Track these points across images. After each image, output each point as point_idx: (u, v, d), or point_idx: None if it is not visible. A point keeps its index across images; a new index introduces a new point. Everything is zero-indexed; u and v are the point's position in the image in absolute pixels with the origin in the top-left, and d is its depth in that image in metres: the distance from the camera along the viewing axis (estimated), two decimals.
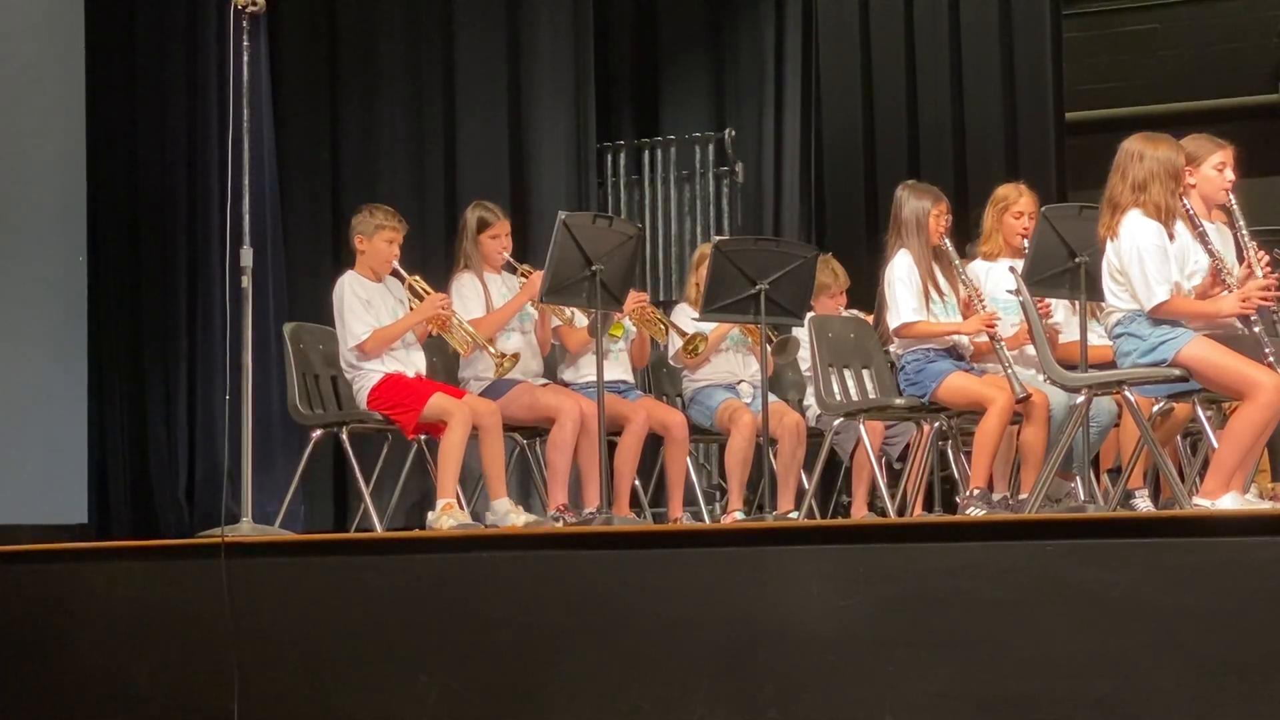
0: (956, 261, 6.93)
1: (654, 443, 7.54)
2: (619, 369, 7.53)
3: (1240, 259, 5.96)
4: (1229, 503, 5.54)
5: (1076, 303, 6.64)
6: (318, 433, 7.23)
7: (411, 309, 7.16)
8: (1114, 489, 6.77)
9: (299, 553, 6.01)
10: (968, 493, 6.64)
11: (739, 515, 7.39)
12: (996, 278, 7.01)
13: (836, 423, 7.30)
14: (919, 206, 6.90)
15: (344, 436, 7.17)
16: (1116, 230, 5.84)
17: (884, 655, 4.95)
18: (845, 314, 7.91)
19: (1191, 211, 5.89)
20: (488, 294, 7.30)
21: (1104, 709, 4.71)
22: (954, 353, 6.87)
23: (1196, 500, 5.69)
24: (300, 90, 10.04)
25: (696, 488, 7.86)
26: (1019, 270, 6.63)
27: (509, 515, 6.78)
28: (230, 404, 6.78)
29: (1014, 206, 7.14)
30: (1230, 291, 5.81)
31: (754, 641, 5.10)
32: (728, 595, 5.16)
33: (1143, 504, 6.72)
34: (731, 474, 7.47)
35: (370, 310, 7.05)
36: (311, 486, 9.04)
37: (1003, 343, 6.65)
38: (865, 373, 7.33)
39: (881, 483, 7.23)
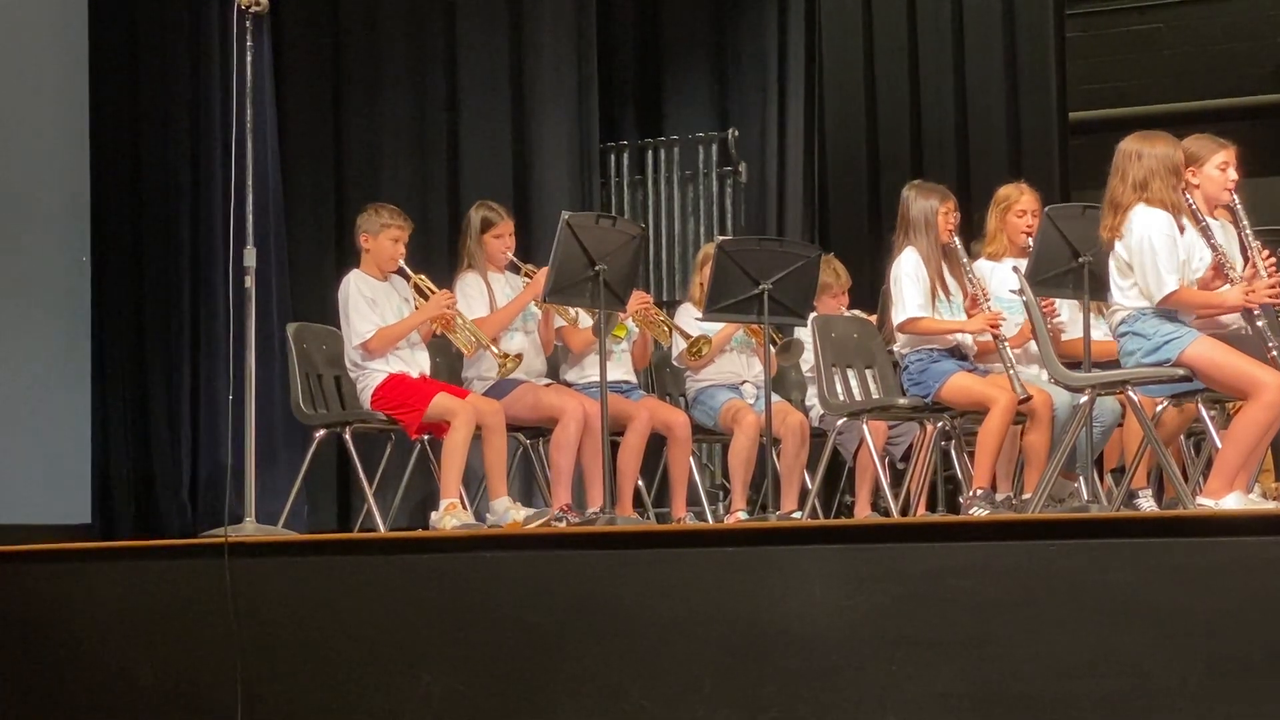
0: (965, 260, 6.92)
1: (657, 443, 7.54)
2: (622, 369, 7.53)
3: (1244, 258, 5.96)
4: (1233, 503, 5.54)
5: (1080, 301, 6.63)
6: (321, 432, 7.23)
7: (417, 308, 7.16)
8: (1117, 489, 6.76)
9: (302, 553, 6.01)
10: (971, 493, 6.63)
11: (742, 515, 7.38)
12: (1001, 277, 7.00)
13: (840, 423, 7.30)
14: (927, 205, 6.90)
15: (347, 436, 7.17)
16: (1122, 228, 5.84)
17: (887, 655, 4.95)
18: (847, 314, 7.90)
19: (1195, 207, 5.89)
20: (491, 294, 7.30)
21: (1108, 709, 4.70)
22: (957, 352, 6.86)
23: (1200, 500, 5.69)
24: (303, 90, 10.05)
25: (699, 488, 7.86)
26: (1022, 270, 6.63)
27: (509, 513, 6.78)
28: (233, 404, 6.78)
29: (1016, 206, 7.14)
30: (1233, 285, 5.82)
31: (757, 641, 5.10)
32: (731, 595, 5.16)
33: (1146, 504, 6.72)
34: (735, 474, 7.47)
35: (375, 309, 7.05)
36: (315, 486, 9.04)
37: (1006, 343, 6.65)
38: (868, 372, 7.33)
39: (885, 483, 7.22)
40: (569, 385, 7.46)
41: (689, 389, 7.79)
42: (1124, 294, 5.87)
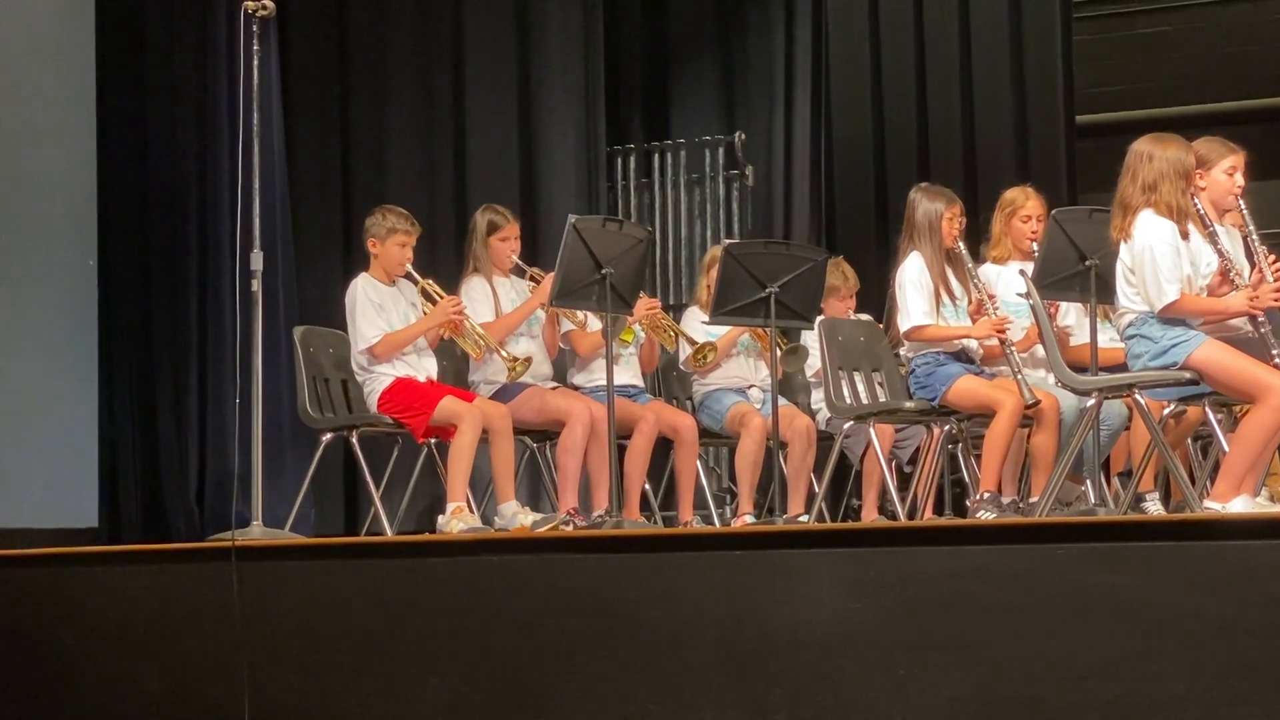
0: (970, 264, 6.92)
1: (664, 446, 7.54)
2: (629, 373, 7.53)
3: (1250, 262, 5.96)
4: (1240, 506, 5.53)
5: (1087, 305, 6.63)
6: (328, 436, 7.24)
7: (425, 313, 7.16)
8: (1124, 492, 6.76)
9: (309, 556, 6.01)
10: (978, 496, 6.63)
11: (749, 519, 7.38)
12: (1007, 281, 7.00)
13: (846, 426, 7.30)
14: (932, 209, 6.90)
15: (354, 440, 7.17)
16: (1129, 231, 5.84)
17: (894, 659, 4.94)
18: (854, 317, 7.90)
19: (1202, 212, 5.89)
20: (496, 298, 7.30)
21: (1114, 712, 4.70)
22: (964, 356, 6.86)
23: (1207, 503, 5.68)
24: (310, 94, 10.05)
25: (706, 491, 7.86)
26: (1029, 274, 6.62)
27: (516, 517, 6.78)
28: (240, 408, 6.79)
29: (1021, 210, 7.14)
30: (1238, 290, 5.81)
31: (764, 645, 5.10)
32: (738, 598, 5.16)
33: (1153, 507, 6.71)
34: (741, 477, 7.47)
35: (382, 314, 7.05)
36: (322, 490, 9.04)
37: (1013, 347, 6.64)
38: (875, 376, 7.33)
39: (892, 486, 7.22)
40: (576, 389, 7.45)
41: (696, 392, 7.79)
42: (1130, 297, 5.87)
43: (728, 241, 8.06)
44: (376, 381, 7.02)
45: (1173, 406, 6.41)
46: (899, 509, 7.16)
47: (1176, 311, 5.76)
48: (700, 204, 10.32)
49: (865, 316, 7.92)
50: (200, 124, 9.76)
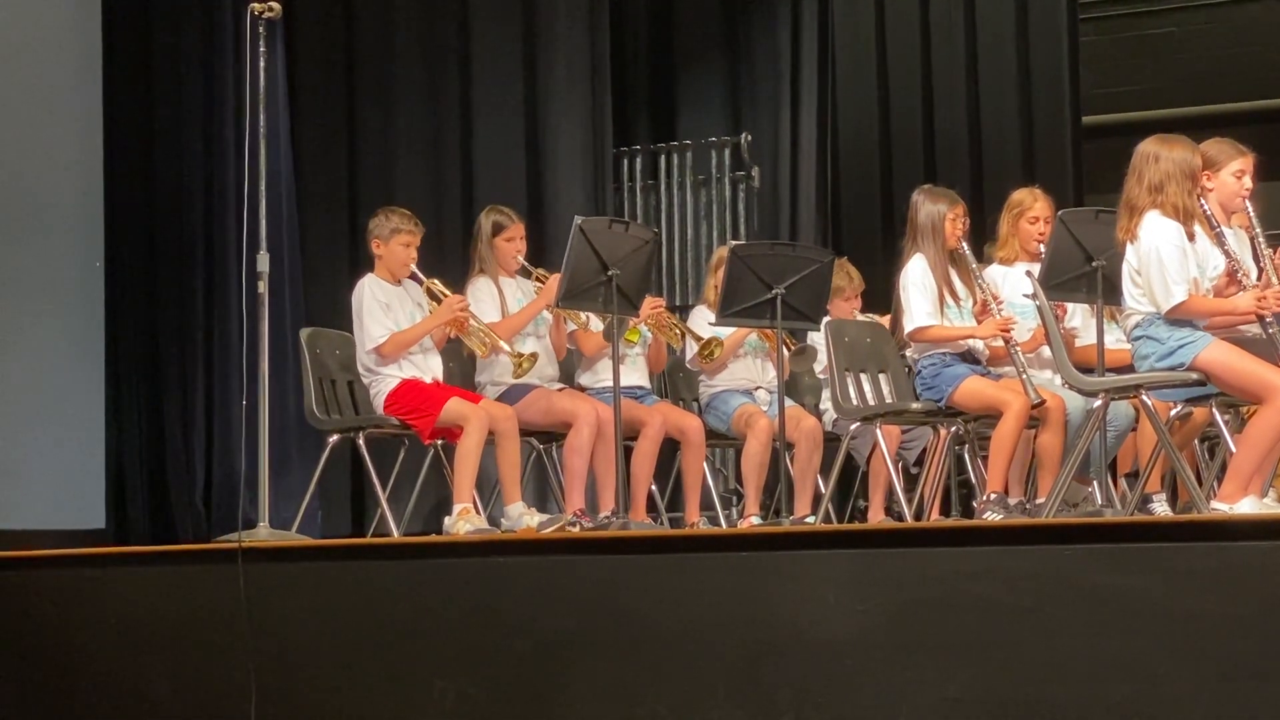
0: (974, 265, 6.91)
1: (670, 447, 7.54)
2: (635, 374, 7.53)
3: (1257, 264, 5.95)
4: (1247, 507, 5.53)
5: (1094, 306, 6.63)
6: (334, 438, 7.24)
7: (430, 312, 7.16)
8: (1131, 493, 6.76)
9: (316, 558, 6.02)
10: (984, 497, 6.63)
11: (755, 520, 7.38)
12: (1013, 282, 7.00)
13: (853, 427, 7.29)
14: (935, 210, 6.90)
15: (361, 441, 7.17)
16: (1136, 232, 5.84)
17: (901, 660, 4.95)
18: (860, 318, 7.90)
19: (1209, 213, 5.88)
20: (503, 298, 7.31)
21: (1121, 714, 4.70)
22: (970, 357, 6.86)
23: (1214, 504, 5.68)
24: (317, 96, 10.05)
25: (713, 492, 7.86)
26: (1035, 275, 6.62)
27: (523, 519, 6.79)
28: (247, 409, 6.79)
29: (1029, 211, 7.14)
30: (1245, 291, 5.81)
31: (770, 646, 5.10)
32: (744, 600, 5.16)
33: (1160, 508, 6.71)
34: (748, 479, 7.47)
35: (389, 314, 7.05)
36: (328, 491, 9.04)
37: (1018, 348, 6.64)
38: (881, 377, 7.33)
39: (898, 487, 7.22)
40: (582, 390, 7.46)
41: (702, 394, 7.79)
42: (1136, 299, 5.86)
43: (734, 243, 8.06)
44: (382, 383, 7.03)
45: (1180, 408, 6.40)
46: (905, 510, 7.16)
47: (1184, 313, 5.75)
48: (706, 205, 10.32)
49: (872, 317, 7.91)
50: (207, 126, 9.76)
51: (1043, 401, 6.47)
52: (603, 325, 7.30)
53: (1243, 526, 4.88)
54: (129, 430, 9.74)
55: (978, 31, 9.76)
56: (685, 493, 7.47)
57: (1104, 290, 6.47)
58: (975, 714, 4.85)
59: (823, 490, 7.49)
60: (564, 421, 7.12)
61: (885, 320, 7.69)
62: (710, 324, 7.43)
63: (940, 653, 4.90)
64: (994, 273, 7.09)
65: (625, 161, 10.41)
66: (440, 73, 9.97)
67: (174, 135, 9.83)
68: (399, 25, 10.03)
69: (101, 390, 9.71)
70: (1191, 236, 5.81)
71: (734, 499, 8.84)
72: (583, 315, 7.35)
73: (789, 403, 7.36)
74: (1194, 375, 5.74)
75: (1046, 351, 6.77)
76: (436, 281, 7.24)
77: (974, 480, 7.26)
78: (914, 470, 7.80)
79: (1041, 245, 6.94)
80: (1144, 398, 6.07)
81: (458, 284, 7.35)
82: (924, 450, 7.70)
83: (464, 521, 6.73)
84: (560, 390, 7.31)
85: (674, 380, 8.30)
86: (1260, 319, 5.76)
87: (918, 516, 7.14)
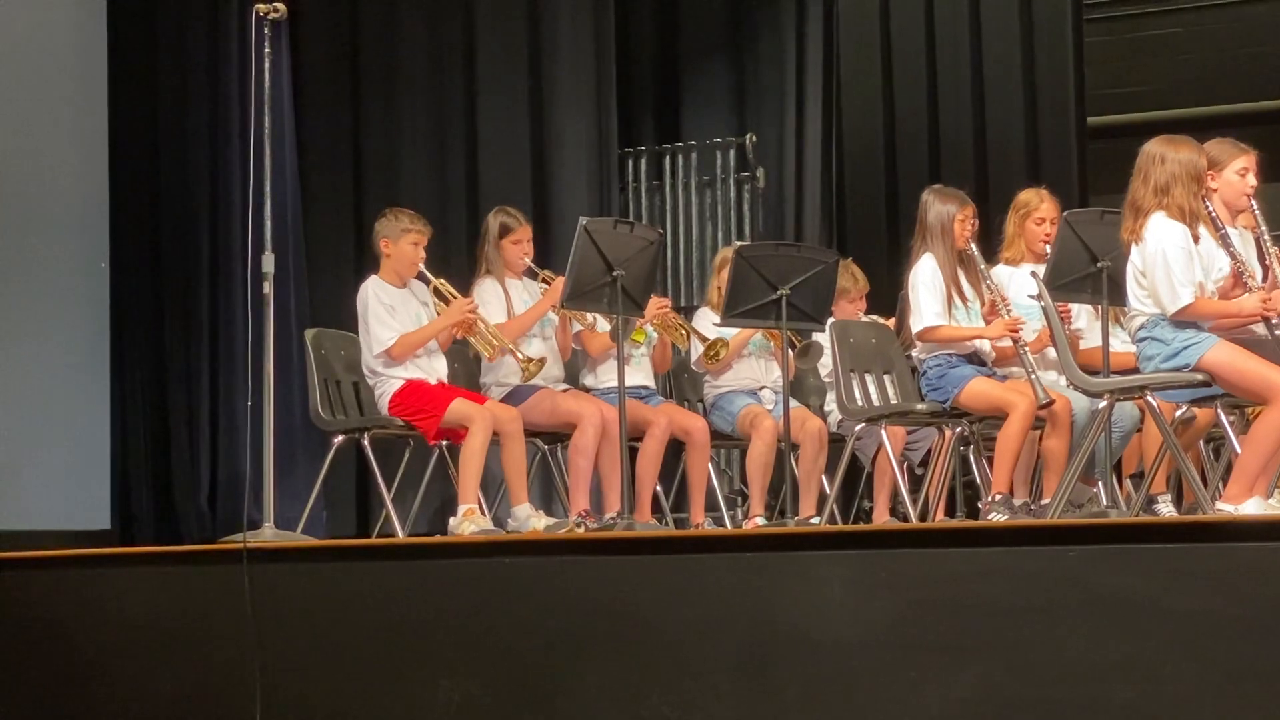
0: (982, 266, 6.92)
1: (675, 448, 7.54)
2: (640, 374, 7.53)
3: (1262, 264, 5.95)
4: (1252, 508, 5.52)
5: (1099, 307, 6.62)
6: (339, 438, 7.23)
7: (438, 313, 7.16)
8: (1136, 494, 6.75)
9: (321, 559, 6.02)
10: (990, 498, 6.63)
11: (760, 520, 7.38)
12: (1019, 283, 6.99)
13: (858, 428, 7.29)
14: (944, 211, 6.90)
15: (365, 442, 7.17)
16: (1141, 234, 5.83)
17: (906, 661, 4.94)
18: (865, 319, 7.90)
19: (1214, 214, 5.88)
20: (509, 299, 7.31)
21: (1127, 714, 4.70)
22: (976, 358, 6.85)
23: (1219, 505, 5.67)
24: (322, 97, 10.07)
25: (718, 493, 7.85)
26: (1040, 275, 6.62)
27: (530, 520, 6.79)
28: (252, 410, 6.79)
29: (1035, 212, 7.13)
30: (1251, 293, 5.80)
31: (776, 647, 5.10)
32: (749, 600, 5.16)
33: (1165, 509, 6.70)
34: (753, 479, 7.47)
35: (395, 316, 7.05)
36: (333, 492, 9.05)
37: (1026, 347, 6.64)
38: (887, 378, 7.33)
39: (903, 488, 7.21)
40: (587, 390, 7.46)
41: (707, 394, 7.79)
42: (1141, 300, 5.86)
43: (739, 243, 8.06)
44: (387, 384, 7.03)
45: (1185, 409, 6.39)
46: (910, 511, 7.15)
47: (1191, 315, 5.75)
48: (711, 206, 10.32)
49: (876, 318, 7.91)
50: (212, 126, 9.79)
51: (1051, 402, 6.46)
52: (609, 326, 7.30)
53: (1248, 528, 4.88)
54: (134, 431, 9.77)
55: (982, 32, 9.75)
56: (690, 493, 7.47)
57: (1109, 291, 6.46)
58: (980, 714, 4.85)
59: (827, 491, 7.49)
60: (569, 422, 7.12)
61: (890, 323, 7.70)
62: (715, 324, 7.43)
63: (945, 653, 4.90)
64: (1000, 273, 7.09)
65: (630, 162, 10.42)
66: (445, 74, 9.98)
67: (179, 136, 9.85)
68: (403, 27, 10.05)
69: (107, 391, 9.73)
70: (1196, 239, 5.80)
71: (739, 500, 8.84)
72: (588, 316, 7.35)
73: (794, 403, 7.36)
74: (1199, 376, 5.74)
75: (1051, 352, 6.77)
76: (444, 281, 7.24)
77: (979, 481, 7.26)
78: (919, 471, 7.79)
79: (1047, 246, 6.94)
80: (1149, 398, 6.06)
81: (462, 284, 7.35)
82: (929, 451, 7.70)
83: (469, 522, 6.73)
84: (565, 391, 7.31)
85: (679, 381, 8.30)
86: (1266, 320, 5.76)
87: (922, 517, 7.13)
